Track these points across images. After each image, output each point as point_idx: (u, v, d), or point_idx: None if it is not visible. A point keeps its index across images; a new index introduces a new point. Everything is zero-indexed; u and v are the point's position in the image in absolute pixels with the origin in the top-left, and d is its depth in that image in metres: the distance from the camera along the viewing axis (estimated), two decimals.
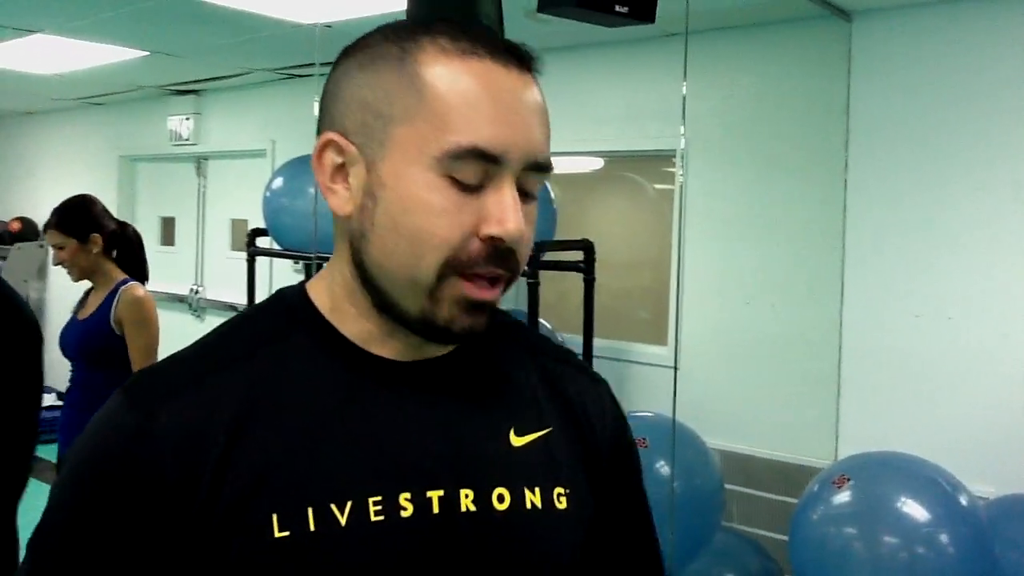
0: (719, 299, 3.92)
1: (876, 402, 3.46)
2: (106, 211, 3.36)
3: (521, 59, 0.83)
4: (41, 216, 3.38)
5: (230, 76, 5.73)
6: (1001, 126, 3.19)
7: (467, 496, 0.85)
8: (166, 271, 6.98)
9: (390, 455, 0.84)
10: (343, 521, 0.80)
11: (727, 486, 3.45)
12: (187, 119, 6.43)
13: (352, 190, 0.83)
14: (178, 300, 6.76)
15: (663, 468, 2.98)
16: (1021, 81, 3.16)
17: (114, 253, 3.34)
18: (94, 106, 7.23)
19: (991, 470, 3.12)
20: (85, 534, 0.80)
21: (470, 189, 0.79)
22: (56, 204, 3.31)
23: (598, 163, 4.61)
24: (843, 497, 2.64)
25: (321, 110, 0.88)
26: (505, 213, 0.79)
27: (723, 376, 3.89)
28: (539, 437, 0.93)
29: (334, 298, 0.88)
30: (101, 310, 3.20)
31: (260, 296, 5.49)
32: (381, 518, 0.81)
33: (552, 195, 4.08)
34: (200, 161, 6.70)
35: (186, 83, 6.09)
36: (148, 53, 4.94)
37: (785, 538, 2.88)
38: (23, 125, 8.11)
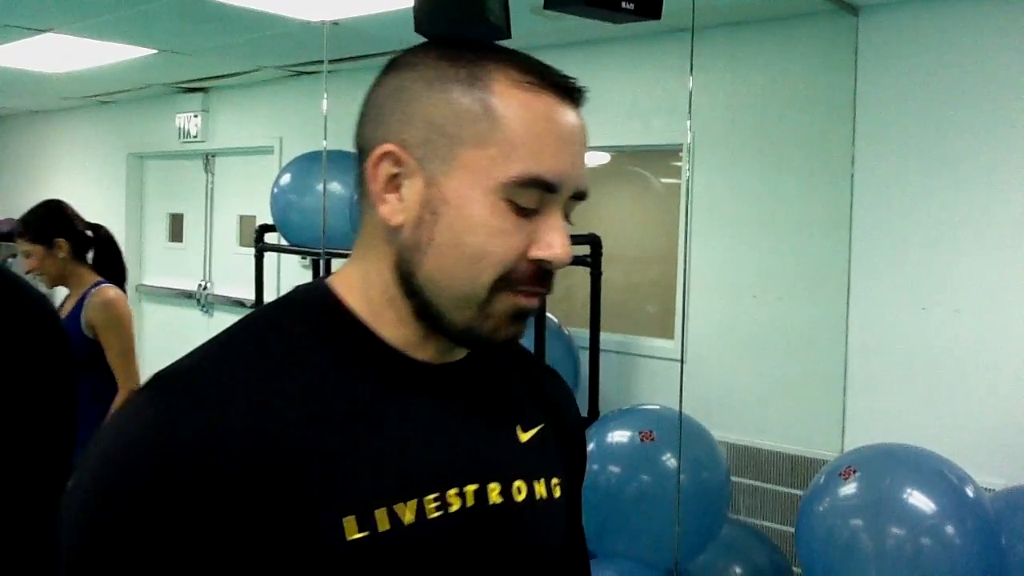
0: (726, 293, 3.93)
1: (883, 395, 3.47)
2: (75, 215, 3.30)
3: (575, 95, 0.89)
4: None
5: (238, 74, 5.76)
6: (1009, 120, 3.19)
7: (494, 489, 0.91)
8: (175, 267, 7.02)
9: (436, 453, 0.88)
10: (409, 520, 0.83)
11: (734, 479, 3.47)
12: (195, 116, 6.46)
13: (405, 201, 0.86)
14: (186, 296, 6.79)
15: (670, 461, 3.00)
16: None
17: (89, 257, 3.30)
18: (103, 104, 7.26)
19: (998, 462, 3.13)
20: (134, 557, 0.76)
21: (525, 213, 0.84)
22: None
23: (605, 158, 4.62)
24: (849, 489, 2.65)
25: (370, 118, 0.91)
26: (555, 239, 0.85)
27: (730, 369, 3.90)
28: (537, 432, 1.00)
29: (371, 303, 0.90)
30: (72, 314, 3.16)
31: (268, 292, 5.51)
32: (438, 514, 0.86)
33: None
34: (208, 158, 6.72)
35: (194, 81, 6.12)
36: (156, 51, 4.96)
37: (792, 530, 2.90)
38: (33, 124, 8.14)
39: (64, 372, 1.75)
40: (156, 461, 0.77)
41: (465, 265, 0.84)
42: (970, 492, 2.63)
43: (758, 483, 3.75)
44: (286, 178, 4.88)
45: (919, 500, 2.57)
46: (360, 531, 0.80)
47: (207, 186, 6.78)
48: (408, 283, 0.87)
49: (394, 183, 0.87)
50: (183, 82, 6.18)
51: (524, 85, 0.85)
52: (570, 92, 0.88)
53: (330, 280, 0.93)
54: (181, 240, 7.06)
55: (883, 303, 3.47)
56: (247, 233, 6.22)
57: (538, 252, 0.85)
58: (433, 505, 0.85)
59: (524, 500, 0.94)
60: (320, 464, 0.80)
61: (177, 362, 0.87)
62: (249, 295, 5.53)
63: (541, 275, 0.86)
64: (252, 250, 5.30)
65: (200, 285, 6.74)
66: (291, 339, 0.87)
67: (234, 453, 0.78)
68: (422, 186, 0.85)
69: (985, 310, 3.24)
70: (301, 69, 5.51)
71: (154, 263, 7.28)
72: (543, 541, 0.97)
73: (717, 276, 3.93)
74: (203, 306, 6.67)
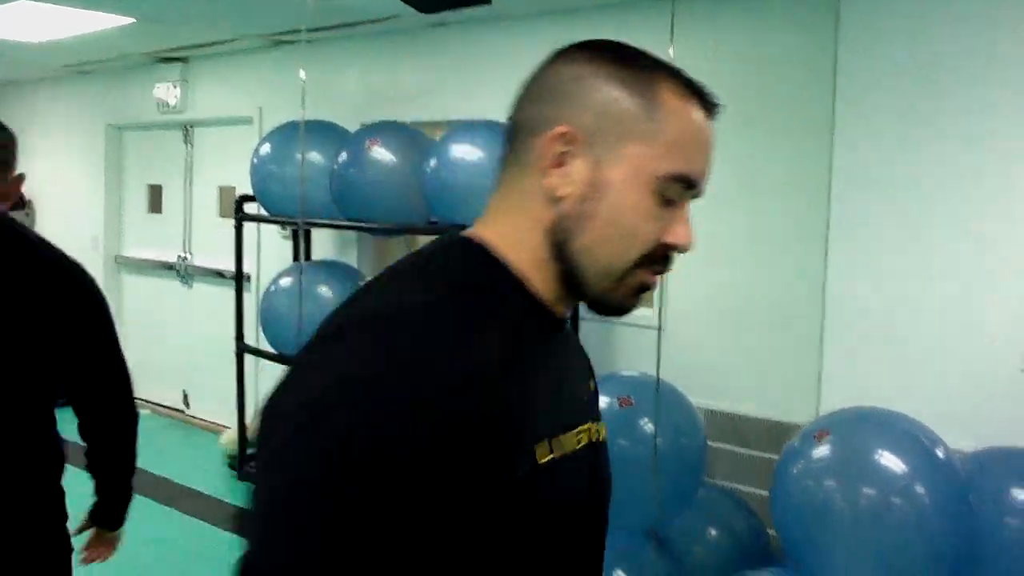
0: (704, 260, 3.94)
1: (858, 360, 3.51)
2: None
3: (715, 110, 1.05)
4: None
5: (217, 43, 5.72)
6: (989, 83, 3.21)
7: (592, 427, 1.07)
8: (154, 238, 7.00)
9: (572, 394, 1.06)
10: (568, 448, 0.99)
11: (712, 444, 3.52)
12: (174, 87, 6.42)
13: (570, 177, 0.98)
14: (166, 267, 6.78)
15: (648, 426, 3.04)
16: (1011, 37, 3.18)
17: None
18: (81, 74, 7.21)
19: (970, 426, 3.18)
20: (394, 492, 0.83)
21: (667, 203, 0.99)
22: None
23: None
24: (823, 452, 2.69)
25: (541, 98, 1.01)
26: (686, 229, 1.01)
27: (708, 336, 3.93)
28: (594, 383, 1.19)
29: (522, 261, 1.01)
30: None
31: (248, 262, 5.51)
32: (579, 446, 1.02)
33: None
34: (187, 129, 6.69)
35: (173, 50, 6.08)
36: (134, 20, 4.93)
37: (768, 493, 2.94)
38: (9, 94, 8.07)
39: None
40: (415, 396, 0.85)
41: (618, 241, 0.98)
42: (941, 454, 2.67)
43: (735, 448, 3.80)
44: (266, 148, 4.87)
45: (891, 462, 2.60)
46: (548, 456, 0.95)
47: (186, 157, 6.75)
48: (560, 248, 0.99)
49: (560, 159, 0.98)
50: (161, 51, 6.14)
51: (684, 97, 1.00)
52: (712, 107, 1.04)
53: (479, 237, 1.02)
54: (160, 211, 7.04)
55: (861, 269, 3.50)
56: (227, 204, 6.21)
57: (672, 238, 1.00)
58: (577, 438, 1.02)
59: (602, 439, 1.12)
60: (517, 402, 0.93)
61: (381, 303, 0.95)
62: (229, 266, 5.53)
63: (668, 257, 1.01)
64: (232, 221, 5.29)
65: (179, 256, 6.73)
66: (469, 290, 0.98)
67: (469, 390, 0.88)
68: (588, 167, 0.98)
69: (961, 276, 3.28)
70: (281, 38, 5.48)
71: (133, 234, 7.26)
72: (610, 474, 1.16)
73: (696, 243, 3.95)
74: (182, 277, 6.67)
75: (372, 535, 0.82)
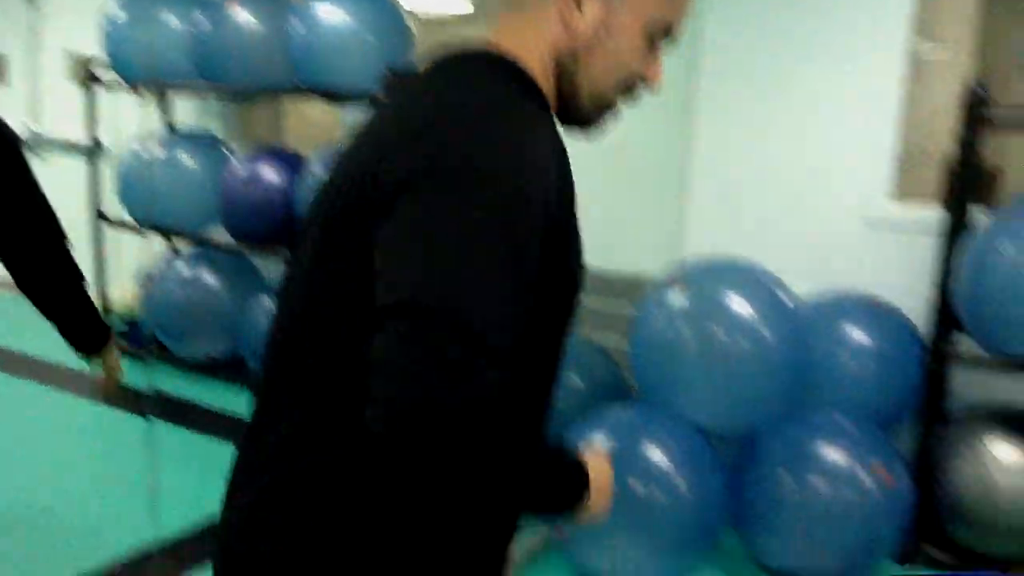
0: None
1: (719, 214, 3.69)
2: None
3: None
4: None
5: None
6: None
7: None
8: None
9: None
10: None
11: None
12: None
13: (585, 15, 1.17)
14: None
15: None
16: None
17: None
18: None
19: (814, 274, 3.42)
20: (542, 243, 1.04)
21: (651, 47, 1.20)
22: None
23: (465, 6, 4.62)
24: (677, 298, 2.85)
25: None
26: (660, 70, 1.24)
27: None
28: None
29: (535, 73, 1.18)
30: None
31: (104, 132, 5.34)
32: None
33: (412, 29, 4.09)
34: None
35: None
36: None
37: None
38: None
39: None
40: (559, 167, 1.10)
41: (615, 71, 1.20)
42: (785, 299, 2.87)
43: (599, 303, 3.94)
44: (117, 11, 4.69)
45: (739, 306, 2.78)
46: (582, 253, 1.20)
47: (30, 21, 6.41)
48: (567, 70, 1.19)
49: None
50: None
51: None
52: None
53: (504, 48, 1.18)
54: (3, 80, 6.69)
55: (722, 130, 3.65)
56: (77, 70, 5.96)
57: (651, 74, 1.22)
58: None
59: None
60: (570, 189, 1.16)
61: (461, 97, 1.09)
62: (82, 135, 5.35)
63: (636, 89, 1.23)
64: (83, 88, 5.10)
65: (28, 127, 6.44)
66: (523, 88, 1.15)
67: (567, 173, 1.15)
68: (602, 7, 1.16)
69: (813, 140, 3.48)
70: None
71: None
72: None
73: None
74: (32, 149, 6.40)
75: (534, 269, 1.03)
